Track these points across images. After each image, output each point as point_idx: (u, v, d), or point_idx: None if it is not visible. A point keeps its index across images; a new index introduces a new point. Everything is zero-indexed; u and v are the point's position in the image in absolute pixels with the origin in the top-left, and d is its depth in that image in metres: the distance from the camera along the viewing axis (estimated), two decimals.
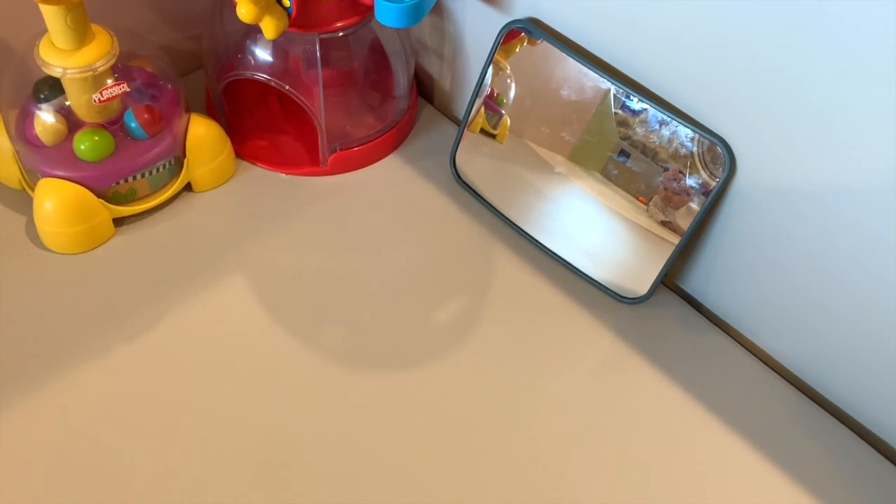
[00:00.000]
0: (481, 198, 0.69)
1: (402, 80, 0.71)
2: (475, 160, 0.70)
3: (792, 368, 0.61)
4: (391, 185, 0.71)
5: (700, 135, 0.56)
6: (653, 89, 0.58)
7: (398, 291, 0.64)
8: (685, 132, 0.57)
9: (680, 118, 0.57)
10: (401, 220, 0.69)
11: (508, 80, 0.65)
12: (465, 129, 0.68)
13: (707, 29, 0.52)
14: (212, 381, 0.57)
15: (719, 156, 0.56)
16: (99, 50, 0.58)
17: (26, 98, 0.60)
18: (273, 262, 0.64)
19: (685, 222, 0.59)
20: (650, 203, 0.61)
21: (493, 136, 0.68)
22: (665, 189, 0.59)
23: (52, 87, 0.60)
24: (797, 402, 0.60)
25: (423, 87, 0.78)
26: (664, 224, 0.61)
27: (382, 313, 0.62)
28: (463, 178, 0.70)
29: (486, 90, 0.66)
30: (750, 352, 0.63)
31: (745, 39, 0.50)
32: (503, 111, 0.66)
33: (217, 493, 0.52)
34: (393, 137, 0.73)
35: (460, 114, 0.76)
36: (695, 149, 0.57)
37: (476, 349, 0.61)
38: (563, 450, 0.56)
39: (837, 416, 0.60)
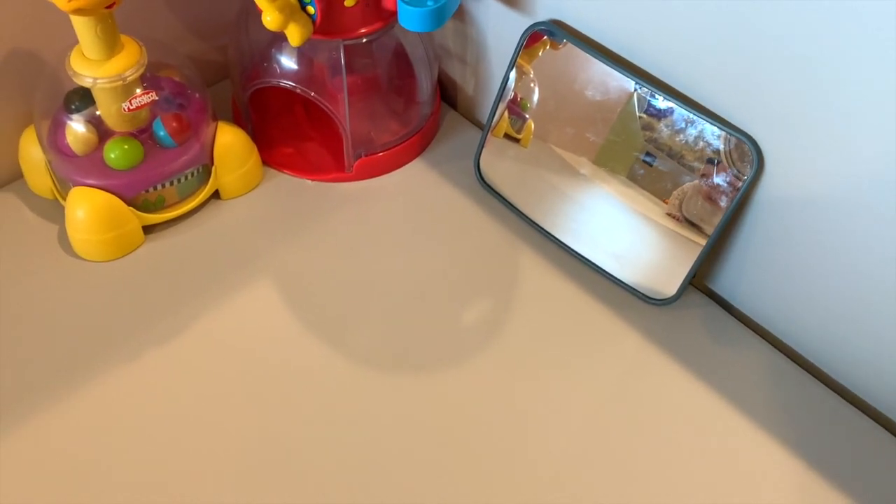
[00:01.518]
0: (506, 201, 0.69)
1: (425, 85, 0.72)
2: (499, 164, 0.70)
3: (825, 368, 0.60)
4: (416, 190, 0.71)
5: (727, 132, 0.56)
6: (678, 88, 0.58)
7: (425, 295, 0.64)
8: (712, 130, 0.57)
9: (706, 116, 0.57)
10: (426, 224, 0.69)
11: (532, 84, 0.65)
12: (489, 134, 0.68)
13: (733, 25, 0.52)
14: (240, 384, 0.58)
15: (747, 154, 0.55)
16: (128, 60, 0.59)
17: (58, 109, 0.62)
18: (300, 267, 0.65)
19: (713, 222, 0.59)
20: (679, 203, 0.60)
21: (518, 141, 0.68)
22: (695, 189, 0.59)
23: (82, 98, 0.61)
24: (830, 401, 0.59)
25: (447, 92, 0.78)
26: (691, 224, 0.60)
27: (409, 317, 0.62)
28: (487, 181, 0.70)
29: (510, 94, 0.66)
30: (781, 351, 0.62)
31: (772, 35, 0.50)
32: (527, 115, 0.66)
33: (248, 496, 0.52)
34: (417, 142, 0.73)
35: (484, 118, 0.76)
36: (722, 147, 0.57)
37: (504, 352, 0.61)
38: (591, 451, 0.56)
39: (870, 414, 0.59)
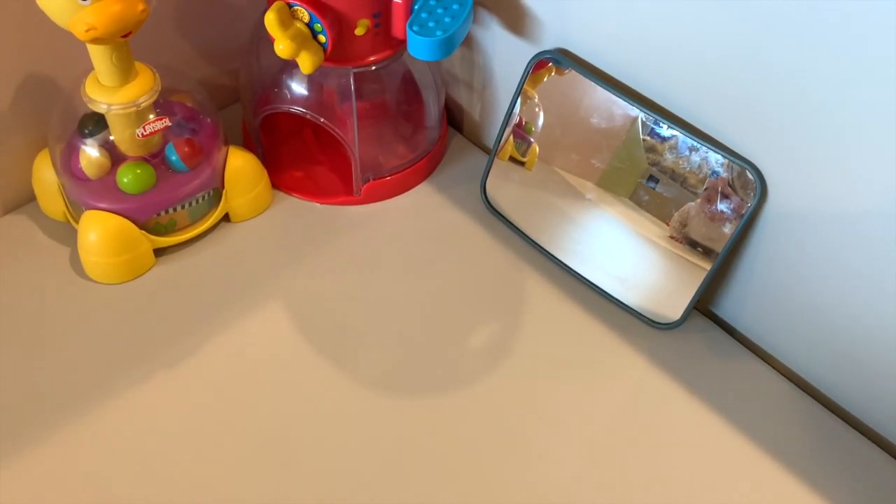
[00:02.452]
0: (512, 224, 0.70)
1: (432, 110, 0.73)
2: (505, 187, 0.71)
3: (828, 393, 0.61)
4: (423, 213, 0.72)
5: (730, 160, 0.57)
6: (682, 115, 0.59)
7: (431, 317, 0.64)
8: (715, 157, 0.58)
9: (709, 144, 0.57)
10: (433, 247, 0.70)
11: (537, 109, 0.66)
12: (495, 158, 0.69)
13: (736, 55, 0.53)
14: (250, 406, 0.58)
15: (750, 181, 0.56)
16: (142, 86, 0.60)
17: (72, 133, 0.63)
18: (309, 289, 0.66)
19: (717, 247, 0.60)
20: (681, 225, 0.61)
21: (523, 164, 0.69)
22: (698, 213, 0.60)
23: (96, 123, 0.62)
24: (834, 427, 0.60)
25: (454, 117, 0.79)
26: (694, 247, 0.61)
27: (417, 339, 0.63)
28: (493, 205, 0.71)
29: (515, 119, 0.67)
30: (785, 377, 0.62)
31: (775, 64, 0.51)
32: (532, 139, 0.67)
33: None
34: (424, 166, 0.74)
35: (490, 142, 0.77)
36: (725, 174, 0.58)
37: (509, 374, 0.61)
38: (596, 474, 0.56)
39: (876, 441, 0.59)
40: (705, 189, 0.59)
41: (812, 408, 0.61)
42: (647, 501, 0.55)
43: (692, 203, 0.60)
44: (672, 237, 0.62)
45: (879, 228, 0.51)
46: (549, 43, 0.64)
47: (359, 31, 0.61)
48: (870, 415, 0.59)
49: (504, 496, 0.55)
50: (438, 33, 0.59)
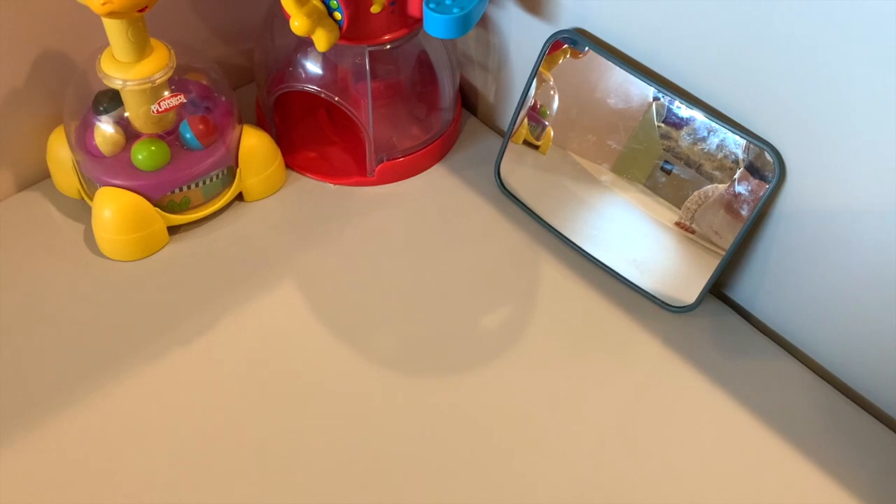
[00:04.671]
0: (526, 207, 0.70)
1: (447, 91, 0.72)
2: (519, 170, 0.70)
3: (844, 378, 0.61)
4: (436, 195, 0.72)
5: (749, 141, 0.56)
6: (700, 96, 0.58)
7: (445, 299, 0.64)
8: (733, 139, 0.57)
9: (728, 125, 0.57)
10: (446, 228, 0.69)
11: (552, 92, 0.66)
12: (509, 140, 0.69)
13: (756, 34, 0.52)
14: (262, 385, 0.58)
15: (768, 163, 0.56)
16: (157, 63, 0.60)
17: (87, 110, 0.63)
18: (322, 269, 0.66)
19: (733, 231, 0.59)
20: (693, 213, 0.60)
21: (537, 147, 0.68)
22: (715, 196, 0.59)
23: (111, 99, 0.62)
24: (847, 410, 0.59)
25: (468, 99, 0.79)
26: (711, 233, 0.60)
27: (430, 321, 0.63)
28: (507, 187, 0.71)
29: (530, 102, 0.67)
30: (800, 361, 0.62)
31: (796, 45, 0.50)
32: (546, 122, 0.67)
33: (269, 495, 0.53)
34: (438, 148, 0.74)
35: (504, 125, 0.77)
36: (743, 156, 0.57)
37: (522, 357, 0.61)
38: (610, 458, 0.56)
39: (891, 426, 0.59)
40: (722, 171, 0.58)
41: (827, 392, 0.60)
42: (658, 481, 0.55)
43: (709, 186, 0.59)
44: (687, 221, 0.61)
45: None
46: (565, 23, 0.64)
47: (374, 9, 0.61)
48: (887, 401, 0.59)
49: (517, 477, 0.55)
50: (455, 10, 0.58)
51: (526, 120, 0.68)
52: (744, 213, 0.58)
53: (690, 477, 0.55)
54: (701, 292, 0.62)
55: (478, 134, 0.77)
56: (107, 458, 0.54)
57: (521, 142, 0.69)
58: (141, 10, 0.55)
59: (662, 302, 0.64)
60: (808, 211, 0.56)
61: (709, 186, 0.59)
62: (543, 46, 0.64)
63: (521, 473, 0.55)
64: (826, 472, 0.56)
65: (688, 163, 0.60)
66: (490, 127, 0.78)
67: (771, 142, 0.55)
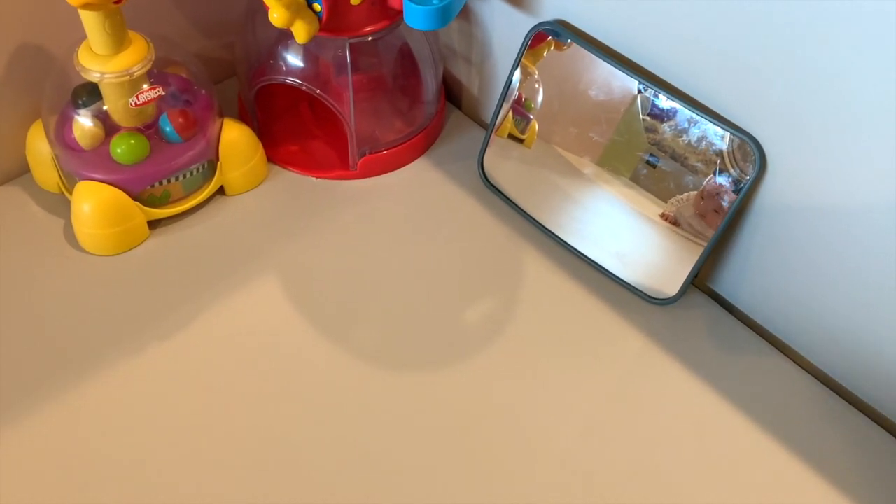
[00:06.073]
0: (510, 201, 0.70)
1: (430, 84, 0.72)
2: (503, 164, 0.70)
3: (826, 369, 0.61)
4: (420, 189, 0.72)
5: (730, 132, 0.56)
6: (682, 88, 0.58)
7: (428, 293, 0.64)
8: (715, 130, 0.57)
9: (709, 116, 0.57)
10: (429, 222, 0.69)
11: (536, 85, 0.65)
12: (493, 134, 0.69)
13: (737, 25, 0.52)
14: (244, 379, 0.58)
15: (749, 154, 0.56)
16: (135, 55, 0.59)
17: (65, 103, 0.62)
18: (304, 263, 0.65)
19: (714, 223, 0.59)
20: (678, 203, 0.60)
21: (521, 141, 0.68)
22: (699, 190, 0.59)
23: (90, 93, 0.61)
24: (831, 402, 0.59)
25: (451, 92, 0.79)
26: (693, 224, 0.60)
27: (412, 314, 0.63)
28: (491, 181, 0.71)
29: (514, 95, 0.66)
30: (782, 352, 0.62)
31: (777, 36, 0.50)
32: (531, 115, 0.67)
33: (251, 491, 0.53)
34: (421, 141, 0.73)
35: (488, 118, 0.76)
36: (725, 147, 0.57)
37: (506, 350, 0.61)
38: (593, 451, 0.56)
39: (871, 416, 0.59)
40: (705, 164, 0.58)
41: (810, 384, 0.60)
42: (641, 475, 0.55)
43: (691, 178, 0.59)
44: (672, 213, 0.61)
45: (879, 205, 0.50)
46: (547, 14, 0.64)
47: (354, 1, 0.60)
48: (869, 393, 0.59)
49: (499, 471, 0.55)
50: (434, 2, 0.58)
51: (511, 113, 0.67)
52: (725, 204, 0.58)
53: (673, 469, 0.55)
54: (683, 284, 0.62)
55: (462, 127, 0.77)
56: (85, 454, 0.54)
57: (506, 135, 0.69)
58: (117, 2, 0.55)
59: (645, 294, 0.64)
60: (789, 203, 0.56)
61: (690, 179, 0.59)
62: (525, 38, 0.63)
63: (505, 467, 0.55)
64: (809, 464, 0.56)
65: (673, 155, 0.60)
66: (474, 120, 0.78)
67: (752, 133, 0.55)
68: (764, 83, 0.53)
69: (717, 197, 0.58)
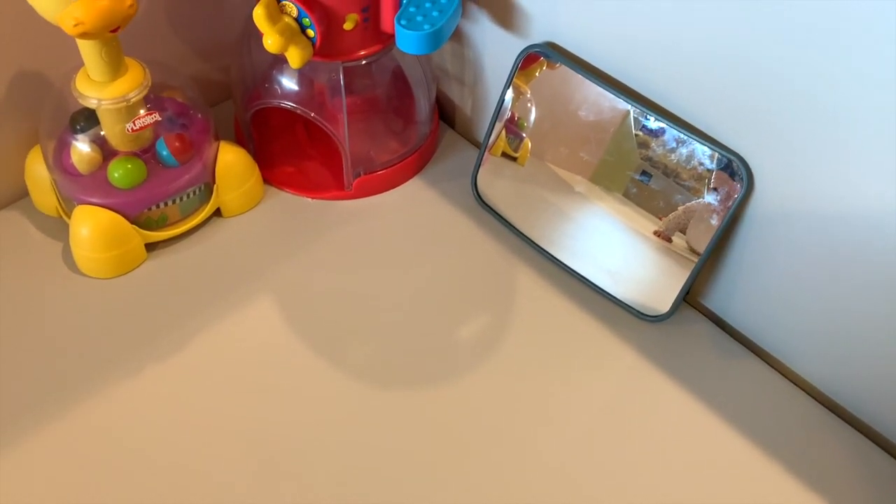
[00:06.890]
0: (503, 219, 0.70)
1: (423, 105, 0.73)
2: (497, 182, 0.71)
3: (818, 385, 0.61)
4: (414, 208, 0.72)
5: (717, 151, 0.57)
6: (670, 108, 0.59)
7: (423, 311, 0.65)
8: (702, 150, 0.58)
9: (697, 136, 0.58)
10: (424, 241, 0.70)
11: (529, 104, 0.66)
12: (487, 153, 0.70)
13: (722, 48, 0.53)
14: (241, 399, 0.59)
15: (737, 172, 0.56)
16: (132, 82, 0.60)
17: (63, 129, 0.63)
18: (300, 283, 0.66)
19: (705, 240, 0.60)
20: (670, 220, 0.61)
21: (515, 159, 0.69)
22: (689, 207, 0.60)
23: (87, 118, 0.62)
24: (823, 418, 0.60)
25: (445, 112, 0.80)
26: (684, 242, 0.61)
27: (408, 333, 0.63)
28: (485, 199, 0.72)
29: (507, 114, 0.67)
30: (774, 368, 0.63)
31: (758, 57, 0.51)
32: (524, 134, 0.67)
33: None
34: (415, 161, 0.74)
35: (481, 137, 0.77)
36: (713, 166, 0.58)
37: (499, 368, 0.61)
38: (585, 468, 0.56)
39: (862, 431, 0.59)
40: (695, 181, 0.59)
41: (802, 400, 0.61)
42: (635, 491, 0.55)
43: (681, 196, 0.60)
44: (664, 229, 0.62)
45: (866, 220, 0.51)
46: (538, 37, 0.65)
47: (347, 26, 0.61)
48: (861, 408, 0.59)
49: (493, 488, 0.55)
50: (426, 27, 0.59)
51: (504, 132, 0.68)
52: (713, 222, 0.59)
53: (665, 485, 0.56)
54: (675, 301, 0.63)
55: (456, 147, 0.78)
56: (83, 475, 0.54)
57: (499, 154, 0.70)
58: (113, 31, 0.56)
59: (637, 311, 0.64)
60: (777, 220, 0.56)
61: (680, 196, 0.60)
62: (516, 60, 0.64)
63: (497, 483, 0.55)
64: (801, 479, 0.56)
65: (665, 172, 0.60)
66: (468, 139, 0.79)
67: (738, 152, 0.56)
68: (749, 102, 0.54)
69: (707, 214, 0.59)
